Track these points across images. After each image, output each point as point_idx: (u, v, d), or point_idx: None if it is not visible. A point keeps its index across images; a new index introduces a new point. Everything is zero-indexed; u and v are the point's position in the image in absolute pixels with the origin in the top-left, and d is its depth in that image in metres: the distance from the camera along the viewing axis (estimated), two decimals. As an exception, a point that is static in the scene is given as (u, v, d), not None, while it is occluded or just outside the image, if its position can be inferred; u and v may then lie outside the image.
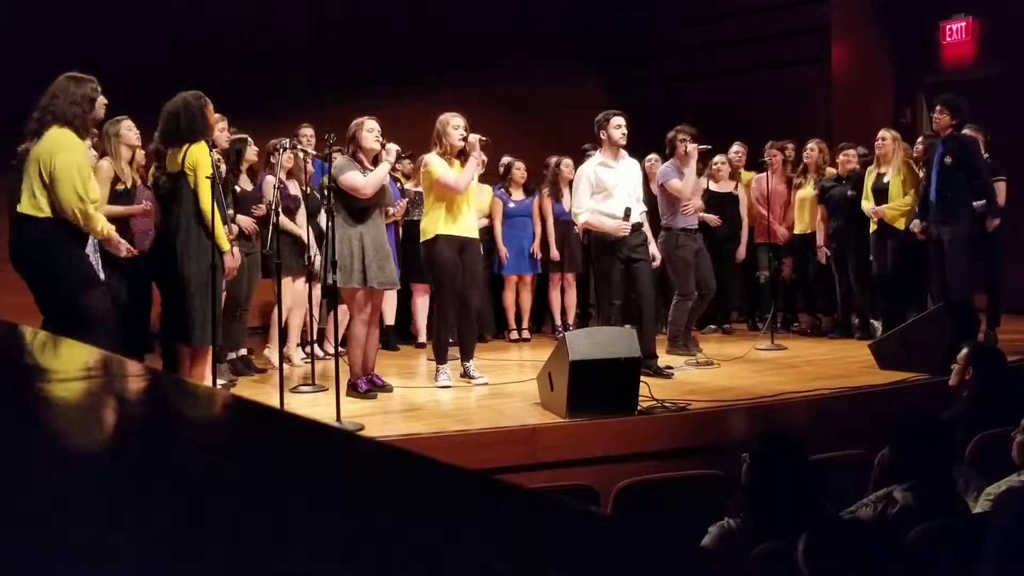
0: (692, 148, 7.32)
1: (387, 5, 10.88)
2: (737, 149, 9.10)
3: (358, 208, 5.89)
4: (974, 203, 7.34)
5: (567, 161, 8.71)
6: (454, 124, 6.19)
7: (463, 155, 6.18)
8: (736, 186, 8.96)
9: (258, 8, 10.19)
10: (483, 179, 7.60)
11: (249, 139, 6.92)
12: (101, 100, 4.94)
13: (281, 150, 6.71)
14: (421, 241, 6.32)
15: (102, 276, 5.48)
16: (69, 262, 4.78)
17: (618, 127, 6.58)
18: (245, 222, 6.69)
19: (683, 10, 11.92)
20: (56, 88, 4.83)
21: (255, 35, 10.12)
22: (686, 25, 11.85)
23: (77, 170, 4.72)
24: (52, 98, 4.80)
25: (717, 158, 8.85)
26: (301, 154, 6.86)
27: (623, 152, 6.66)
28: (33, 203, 4.73)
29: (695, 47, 11.62)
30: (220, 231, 5.12)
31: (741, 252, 8.92)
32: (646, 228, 6.84)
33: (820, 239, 8.40)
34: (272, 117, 8.51)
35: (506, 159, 8.85)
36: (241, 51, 9.92)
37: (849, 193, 8.16)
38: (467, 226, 6.26)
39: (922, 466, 3.32)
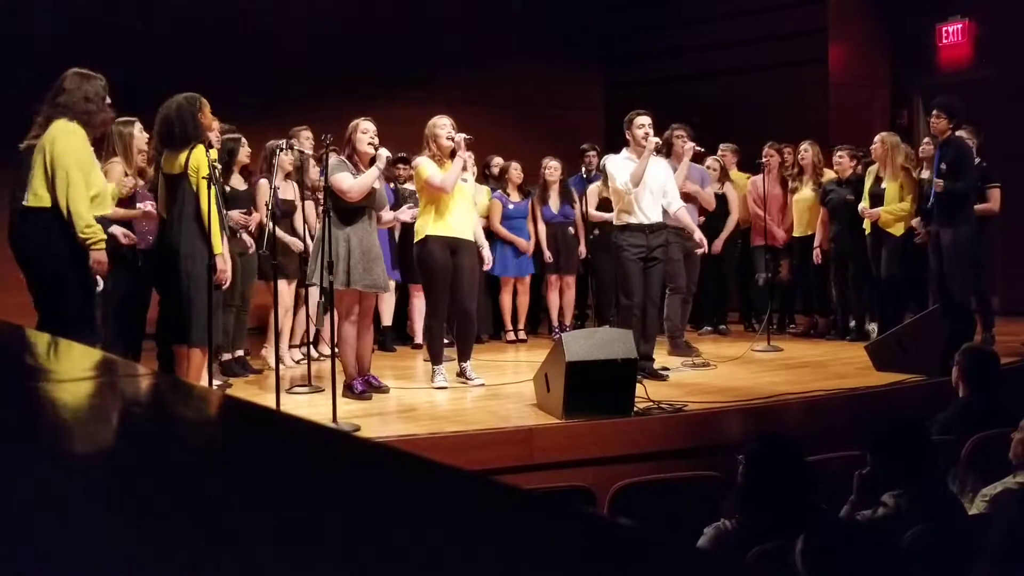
0: (690, 147, 7.53)
1: (386, 5, 10.89)
2: (723, 151, 9.10)
3: (347, 210, 5.88)
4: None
5: (552, 164, 8.71)
6: (440, 124, 6.20)
7: (454, 155, 6.19)
8: (723, 185, 8.95)
9: (258, 8, 10.19)
10: (478, 180, 7.61)
11: (243, 139, 6.91)
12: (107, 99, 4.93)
13: (278, 151, 6.72)
14: (414, 242, 6.34)
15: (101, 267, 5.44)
16: (67, 255, 4.75)
17: (641, 127, 6.60)
18: (237, 217, 6.67)
19: (681, 11, 11.93)
20: (65, 82, 4.78)
21: (255, 35, 10.12)
22: (684, 26, 11.87)
23: (77, 156, 4.68)
24: (61, 92, 4.75)
25: (709, 161, 8.85)
26: (298, 155, 6.87)
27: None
28: (35, 195, 4.71)
29: (693, 48, 11.64)
30: (216, 233, 5.10)
31: (717, 245, 8.64)
32: (687, 221, 6.85)
33: (818, 239, 8.40)
34: (272, 117, 8.51)
35: (498, 160, 8.83)
36: (241, 51, 9.92)
37: (848, 197, 8.15)
38: (457, 227, 6.23)
39: (904, 472, 3.31)
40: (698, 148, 7.69)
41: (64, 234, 4.70)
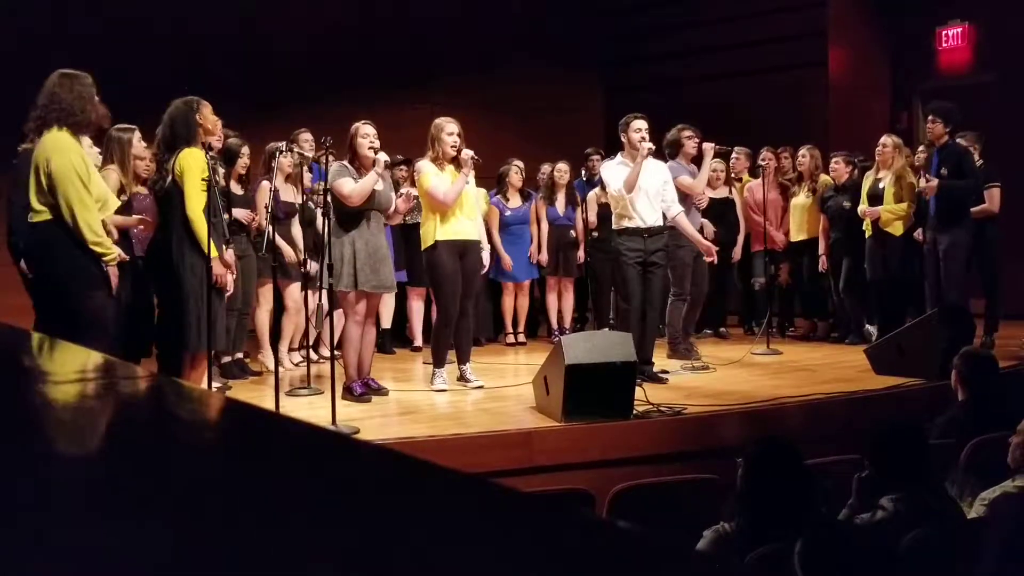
0: (708, 147, 7.41)
1: (387, 7, 10.90)
2: (737, 155, 9.10)
3: (351, 213, 5.89)
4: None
5: (561, 166, 8.71)
6: (448, 131, 6.17)
7: (456, 161, 6.17)
8: (730, 191, 8.97)
9: (258, 9, 10.20)
10: (479, 183, 7.59)
11: (245, 147, 6.90)
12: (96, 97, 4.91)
13: (278, 154, 6.72)
14: (422, 248, 6.32)
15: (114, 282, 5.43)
16: (71, 263, 4.74)
17: (637, 131, 6.58)
18: (242, 214, 6.67)
19: (681, 14, 11.94)
20: (52, 86, 4.74)
21: (255, 36, 10.13)
22: (684, 29, 11.88)
23: (75, 171, 4.64)
24: (51, 96, 4.71)
25: (713, 164, 8.84)
26: (298, 158, 6.87)
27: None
28: (36, 211, 4.70)
29: (693, 51, 11.65)
30: (203, 237, 5.05)
31: (736, 253, 8.90)
32: (686, 226, 6.81)
33: (822, 247, 8.42)
34: (271, 119, 8.52)
35: (518, 164, 8.77)
36: (241, 52, 9.92)
37: (845, 204, 8.16)
38: (464, 230, 6.23)
39: (902, 476, 3.31)
40: (718, 147, 7.61)
41: (63, 244, 4.68)
